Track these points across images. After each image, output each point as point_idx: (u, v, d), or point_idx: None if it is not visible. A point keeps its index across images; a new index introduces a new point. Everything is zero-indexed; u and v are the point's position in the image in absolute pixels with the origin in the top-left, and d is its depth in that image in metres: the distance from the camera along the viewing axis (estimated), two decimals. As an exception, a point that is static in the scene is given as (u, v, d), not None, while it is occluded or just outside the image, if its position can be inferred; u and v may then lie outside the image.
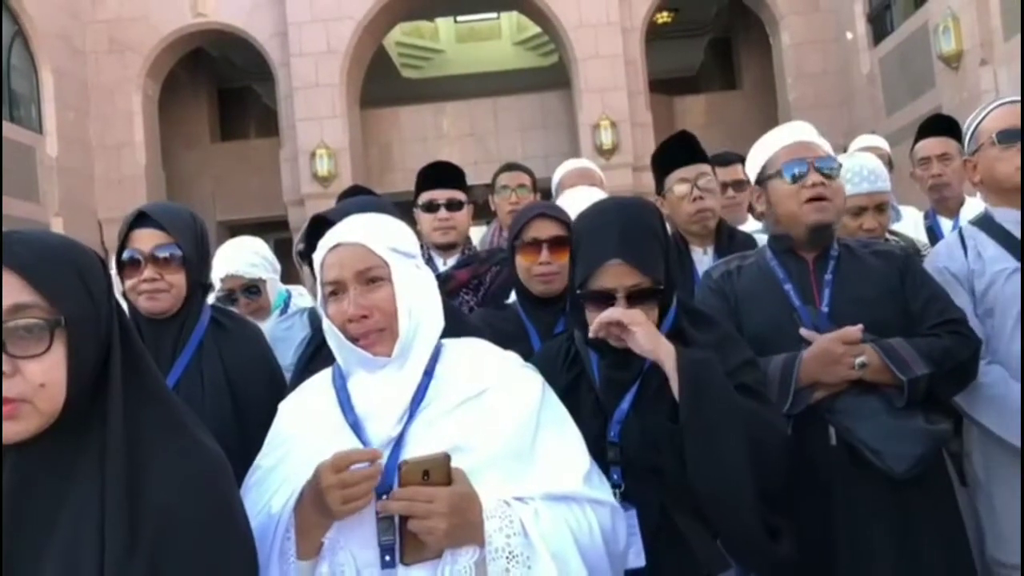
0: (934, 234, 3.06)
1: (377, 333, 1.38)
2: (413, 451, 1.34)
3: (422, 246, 2.94)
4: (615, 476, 1.60)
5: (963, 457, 2.30)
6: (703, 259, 2.73)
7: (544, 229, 2.09)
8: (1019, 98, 2.27)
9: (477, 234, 3.50)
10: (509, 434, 1.37)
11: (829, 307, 1.99)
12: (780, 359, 1.91)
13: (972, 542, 2.20)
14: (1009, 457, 2.12)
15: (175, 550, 1.02)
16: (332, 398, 1.43)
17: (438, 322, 1.46)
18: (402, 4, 12.17)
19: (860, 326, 1.89)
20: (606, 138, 11.39)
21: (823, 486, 1.84)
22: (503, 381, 1.42)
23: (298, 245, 2.96)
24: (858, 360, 1.86)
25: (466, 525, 1.27)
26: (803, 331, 1.95)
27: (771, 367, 1.90)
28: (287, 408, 1.50)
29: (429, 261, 2.89)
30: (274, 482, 1.39)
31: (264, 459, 1.45)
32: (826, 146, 2.14)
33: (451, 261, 2.87)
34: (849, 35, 11.17)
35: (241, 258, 2.91)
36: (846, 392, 1.90)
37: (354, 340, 1.39)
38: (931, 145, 3.18)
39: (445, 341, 1.50)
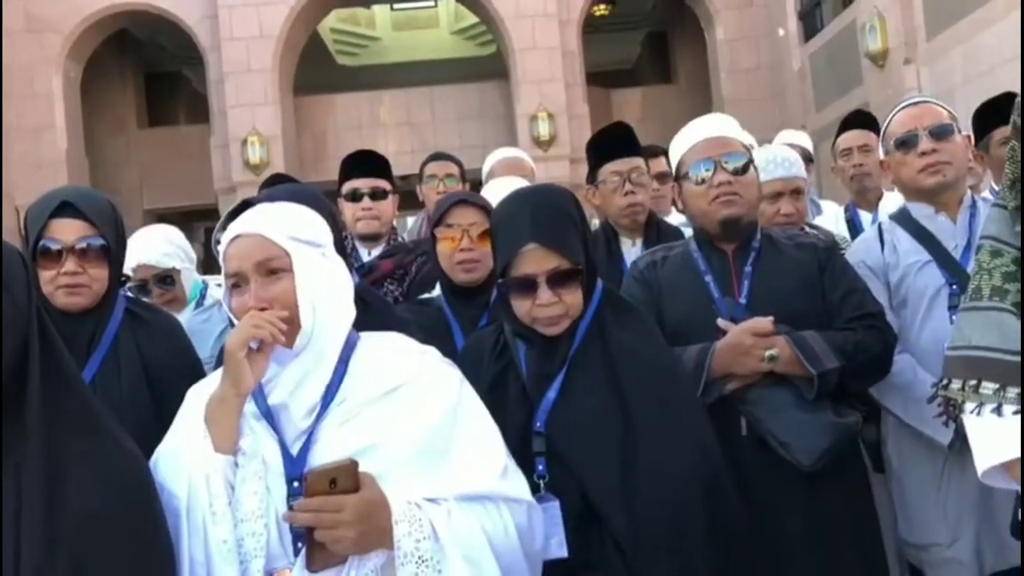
0: (854, 227, 3.12)
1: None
2: (325, 446, 1.31)
3: (346, 236, 2.89)
4: (540, 467, 1.59)
5: (880, 444, 2.38)
6: (632, 251, 2.75)
7: (465, 216, 2.07)
8: (920, 98, 2.35)
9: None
10: (424, 431, 1.34)
11: (747, 299, 2.01)
12: (694, 349, 1.94)
13: (889, 526, 2.28)
14: (918, 444, 2.20)
15: (96, 553, 1.00)
16: None
17: (347, 313, 1.41)
18: (337, -10, 11.97)
19: (771, 318, 1.92)
20: (543, 129, 11.40)
21: (736, 476, 1.86)
22: (420, 377, 1.39)
23: (216, 235, 2.86)
24: (768, 352, 1.89)
25: (375, 531, 1.24)
26: (720, 321, 1.97)
27: (685, 356, 1.92)
28: (197, 392, 1.45)
29: (353, 251, 2.84)
30: (177, 469, 1.33)
31: (166, 445, 1.39)
32: (744, 137, 2.16)
33: (376, 251, 2.82)
34: (781, 32, 11.39)
35: (154, 247, 2.80)
36: (758, 383, 1.92)
37: None
38: (852, 137, 3.25)
39: (363, 335, 1.46)
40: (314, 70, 13.26)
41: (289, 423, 1.34)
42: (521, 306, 1.63)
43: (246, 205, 1.75)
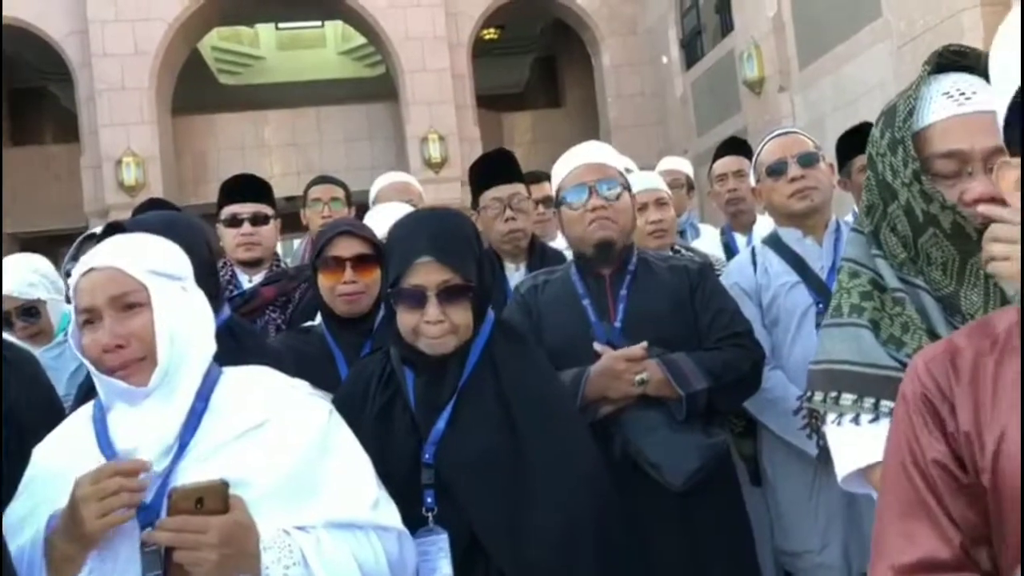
0: (730, 249, 3.24)
1: (137, 363, 1.28)
2: None
3: (225, 263, 2.78)
4: (429, 499, 1.56)
5: (757, 457, 2.47)
6: (516, 275, 2.78)
7: (347, 247, 2.03)
8: (788, 129, 2.51)
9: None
10: (290, 467, 1.30)
11: (622, 322, 2.06)
12: (570, 373, 1.96)
13: (767, 536, 2.37)
14: (790, 456, 2.30)
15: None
16: (91, 434, 1.30)
17: (207, 348, 1.36)
18: (217, 8, 11.62)
19: (643, 344, 1.97)
20: (434, 151, 11.38)
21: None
22: (285, 412, 1.34)
23: (67, 265, 2.70)
24: (638, 377, 1.94)
25: (241, 556, 1.20)
26: (596, 345, 2.01)
27: (563, 382, 1.93)
28: (41, 452, 1.37)
29: (233, 278, 2.74)
30: (26, 533, 1.26)
31: (14, 509, 1.30)
32: (622, 163, 2.22)
33: (258, 278, 2.73)
34: (664, 59, 11.79)
35: (17, 277, 2.62)
36: (631, 406, 1.97)
37: (111, 372, 1.27)
38: (727, 163, 3.39)
39: (226, 370, 1.41)
40: (195, 89, 12.83)
41: None
42: (407, 320, 1.60)
43: (112, 229, 1.66)
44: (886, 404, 1.20)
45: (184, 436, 1.28)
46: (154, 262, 1.32)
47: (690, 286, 2.11)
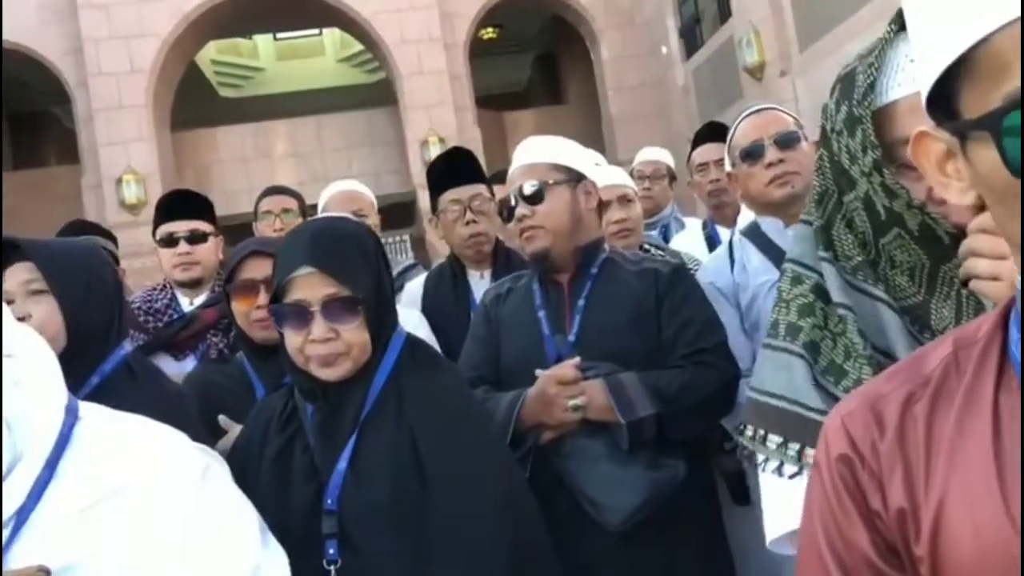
0: (713, 243, 2.99)
1: None
2: None
3: (164, 285, 2.61)
4: (331, 550, 1.37)
5: (741, 475, 2.25)
6: (481, 283, 2.57)
7: (259, 268, 1.84)
8: (763, 105, 2.24)
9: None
10: (151, 541, 1.09)
11: (577, 336, 1.85)
12: (508, 397, 1.77)
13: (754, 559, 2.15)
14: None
15: None
16: None
17: (53, 413, 1.14)
18: (211, 21, 11.53)
19: (575, 361, 1.75)
20: (435, 154, 11.18)
21: (568, 541, 1.66)
22: (152, 471, 1.13)
23: None
24: (571, 402, 1.71)
25: None
26: (537, 371, 1.79)
27: (499, 406, 1.75)
28: None
29: (172, 301, 2.56)
30: None
31: None
32: (577, 157, 2.00)
33: (199, 300, 2.55)
34: (664, 49, 11.55)
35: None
36: (574, 432, 1.75)
37: None
38: (708, 151, 3.13)
39: (84, 417, 1.18)
40: (196, 103, 12.79)
41: None
42: (294, 340, 1.41)
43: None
44: (811, 453, 0.99)
45: (21, 515, 1.07)
46: None
47: (657, 294, 1.89)
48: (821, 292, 1.09)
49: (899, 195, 0.98)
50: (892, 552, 0.65)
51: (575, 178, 1.94)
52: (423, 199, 11.16)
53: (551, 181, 1.90)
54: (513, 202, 1.89)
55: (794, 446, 1.02)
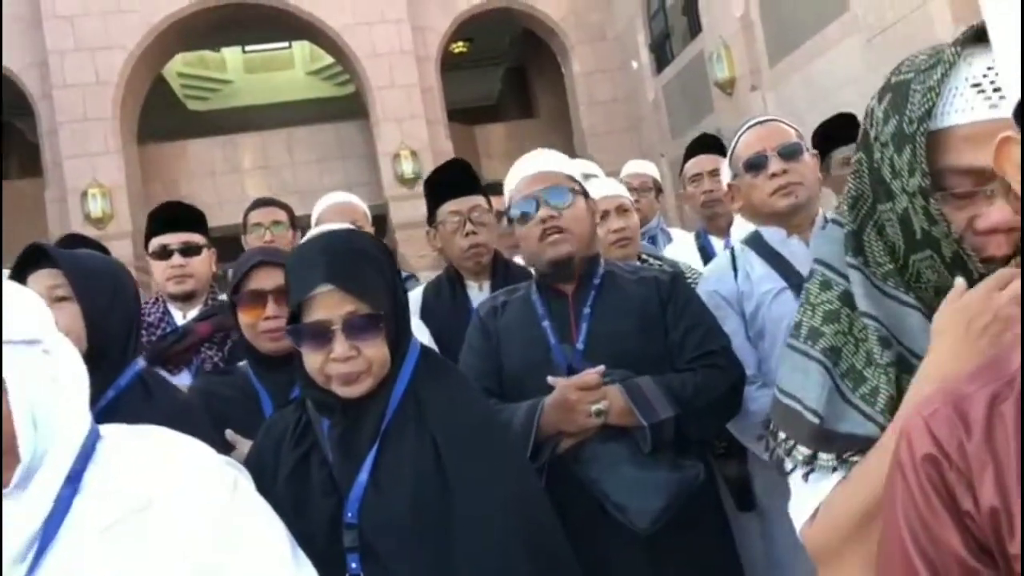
0: (707, 254, 3.02)
1: None
2: None
3: (157, 298, 2.57)
4: (353, 564, 1.36)
5: (745, 481, 2.26)
6: (479, 295, 2.57)
7: (267, 278, 1.82)
8: (766, 117, 2.27)
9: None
10: (181, 558, 1.06)
11: (585, 344, 1.87)
12: (525, 406, 1.77)
13: (760, 567, 2.16)
14: (783, 481, 2.08)
15: None
16: None
17: (81, 418, 1.11)
18: (179, 33, 11.40)
19: (600, 368, 1.76)
20: (407, 167, 11.17)
21: (586, 548, 1.65)
22: (178, 486, 1.10)
23: None
24: (594, 407, 1.73)
25: None
26: (550, 379, 1.80)
27: (517, 415, 1.75)
28: None
29: (165, 315, 2.52)
30: None
31: None
32: (580, 168, 2.03)
33: (192, 313, 2.51)
34: (635, 64, 11.65)
35: None
36: (592, 438, 1.76)
37: None
38: (701, 162, 3.16)
39: (106, 433, 1.16)
40: (163, 116, 12.62)
41: None
42: (314, 360, 1.39)
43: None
44: (802, 450, 1.04)
45: (47, 532, 1.04)
46: (6, 327, 1.04)
47: (660, 300, 1.92)
48: (848, 299, 1.09)
49: (939, 223, 0.98)
50: (984, 551, 0.65)
51: (584, 192, 1.98)
52: (395, 212, 11.11)
53: (576, 189, 1.93)
54: (536, 207, 1.88)
55: (803, 450, 1.05)
